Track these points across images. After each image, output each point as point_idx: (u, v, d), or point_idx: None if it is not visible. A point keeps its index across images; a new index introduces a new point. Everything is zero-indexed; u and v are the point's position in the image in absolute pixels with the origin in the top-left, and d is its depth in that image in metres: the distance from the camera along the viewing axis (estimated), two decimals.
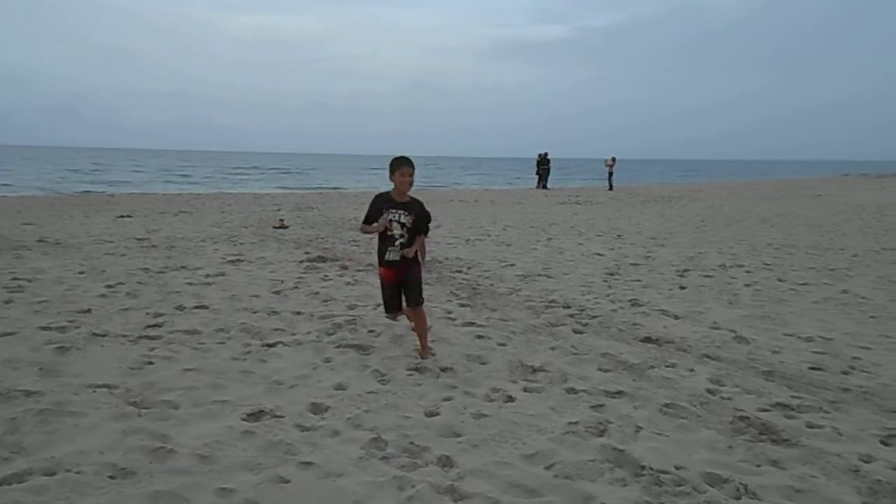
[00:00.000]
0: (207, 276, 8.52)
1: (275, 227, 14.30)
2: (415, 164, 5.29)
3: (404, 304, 5.42)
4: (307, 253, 10.75)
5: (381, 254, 5.28)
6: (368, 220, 5.25)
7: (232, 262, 9.80)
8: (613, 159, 34.59)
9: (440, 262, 10.29)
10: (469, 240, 13.08)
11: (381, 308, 7.03)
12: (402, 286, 5.37)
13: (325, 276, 8.88)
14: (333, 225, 15.34)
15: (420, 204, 5.31)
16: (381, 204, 5.22)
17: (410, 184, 5.23)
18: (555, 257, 11.06)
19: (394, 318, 5.60)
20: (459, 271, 9.58)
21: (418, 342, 5.57)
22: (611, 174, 34.62)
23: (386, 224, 5.14)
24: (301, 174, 59.81)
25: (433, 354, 5.52)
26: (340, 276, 8.94)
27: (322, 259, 10.11)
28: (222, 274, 8.73)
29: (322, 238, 12.87)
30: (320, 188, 36.59)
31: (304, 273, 9.06)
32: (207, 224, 14.67)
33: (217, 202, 21.74)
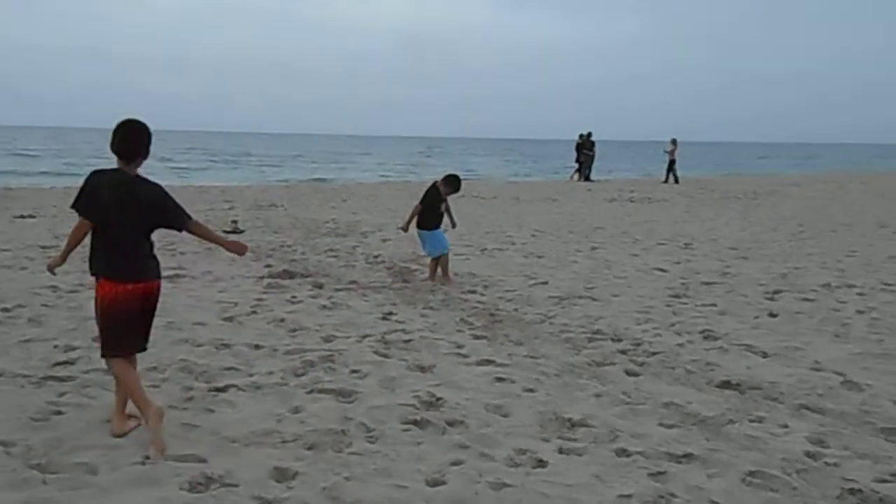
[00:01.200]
0: None
1: (226, 232, 14.36)
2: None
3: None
4: (269, 266, 10.82)
5: None
6: None
7: (168, 278, 9.84)
8: (674, 142, 34.64)
9: (447, 280, 10.32)
10: (486, 249, 13.13)
11: (368, 341, 7.07)
12: None
13: (293, 297, 8.95)
14: (304, 229, 15.44)
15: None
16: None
17: None
18: (601, 273, 11.08)
19: None
20: (473, 292, 9.61)
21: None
22: (672, 162, 34.68)
23: None
24: (260, 160, 60.36)
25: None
26: (313, 296, 9.00)
27: (289, 274, 10.18)
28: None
29: (289, 246, 12.95)
30: (286, 180, 36.83)
31: (264, 293, 9.12)
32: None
33: None
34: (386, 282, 10.12)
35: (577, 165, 36.32)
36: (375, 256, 12.07)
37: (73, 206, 4.86)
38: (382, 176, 43.62)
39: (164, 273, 9.27)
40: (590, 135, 35.66)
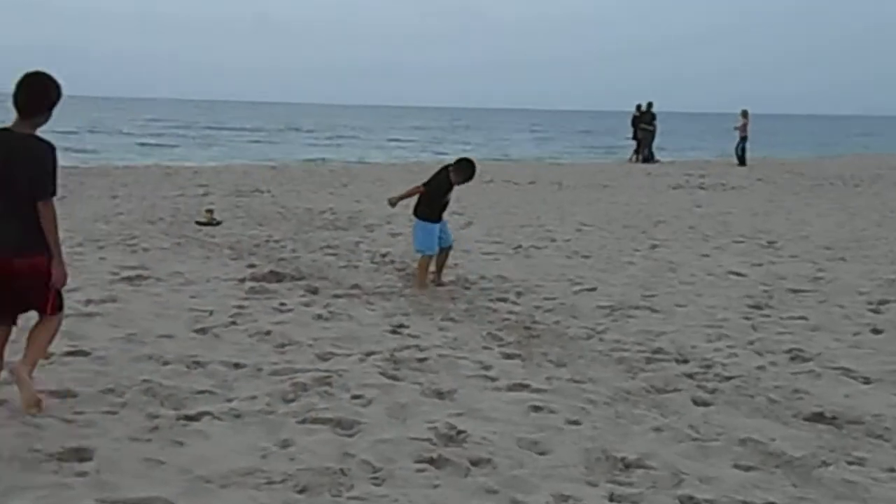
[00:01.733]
0: (88, 302, 8.67)
1: (199, 224, 14.47)
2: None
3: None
4: (252, 267, 10.89)
5: None
6: None
7: (129, 279, 9.94)
8: (745, 115, 34.39)
9: (471, 284, 10.35)
10: (520, 247, 13.16)
11: (373, 359, 7.09)
12: None
13: (282, 303, 9.01)
14: (295, 220, 15.54)
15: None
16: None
17: None
18: (663, 277, 11.07)
19: None
20: (504, 300, 9.64)
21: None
22: (744, 140, 34.45)
23: None
24: (240, 135, 60.73)
25: None
26: (306, 304, 9.06)
27: (276, 276, 10.24)
28: (113, 299, 8.89)
29: (276, 242, 13.03)
30: (273, 160, 36.98)
31: (246, 299, 9.19)
32: (86, 217, 14.90)
33: (104, 181, 22.10)
34: (396, 286, 10.15)
35: (634, 144, 36.28)
36: (383, 255, 12.12)
37: None
38: (398, 155, 43.73)
39: (122, 274, 9.19)
40: (650, 106, 35.57)
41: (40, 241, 5.59)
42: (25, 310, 5.89)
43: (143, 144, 46.01)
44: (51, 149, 5.62)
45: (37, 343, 5.87)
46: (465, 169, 10.28)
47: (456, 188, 10.36)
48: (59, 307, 5.92)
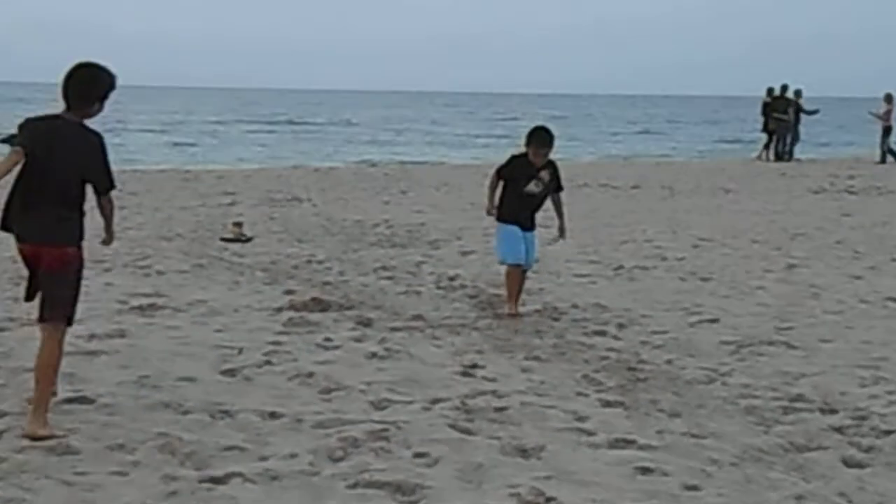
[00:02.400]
0: (91, 337, 8.77)
1: (225, 241, 14.62)
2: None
3: None
4: (290, 293, 10.99)
5: None
6: None
7: (140, 309, 10.07)
8: (889, 100, 33.89)
9: (561, 314, 10.31)
10: (622, 268, 13.12)
11: (440, 408, 7.07)
12: None
13: (327, 339, 9.07)
14: (343, 236, 15.67)
15: None
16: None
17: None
18: (803, 306, 10.95)
19: None
20: (602, 333, 9.61)
21: None
22: (887, 130, 33.93)
23: None
24: (273, 129, 61.33)
25: None
26: (357, 339, 9.11)
27: (320, 305, 10.32)
28: (121, 334, 9.00)
29: (320, 262, 13.14)
30: (312, 162, 37.22)
31: (283, 333, 9.27)
32: (88, 233, 15.04)
33: None
34: (467, 317, 10.17)
35: (765, 137, 35.84)
36: (451, 278, 12.16)
37: (5, 140, 6.57)
38: (471, 154, 43.71)
39: (133, 302, 9.34)
40: (784, 90, 35.13)
41: (73, 233, 6.50)
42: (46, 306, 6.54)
43: (157, 144, 46.69)
44: (100, 139, 6.53)
45: (45, 378, 6.43)
46: (538, 138, 10.21)
47: (544, 176, 10.29)
48: (69, 320, 6.55)
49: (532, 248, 10.44)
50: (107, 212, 6.77)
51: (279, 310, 10.15)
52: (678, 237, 16.01)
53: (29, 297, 6.74)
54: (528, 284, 10.69)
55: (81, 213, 6.58)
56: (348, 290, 11.33)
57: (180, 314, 9.94)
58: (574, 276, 12.48)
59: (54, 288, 6.46)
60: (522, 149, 10.29)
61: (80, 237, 6.58)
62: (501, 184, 10.37)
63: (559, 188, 10.52)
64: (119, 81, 6.67)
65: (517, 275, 10.33)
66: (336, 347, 8.78)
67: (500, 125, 73.93)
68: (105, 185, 6.59)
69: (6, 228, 6.59)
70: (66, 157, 6.36)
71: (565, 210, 10.78)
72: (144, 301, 10.33)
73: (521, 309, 10.41)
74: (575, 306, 10.68)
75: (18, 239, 6.53)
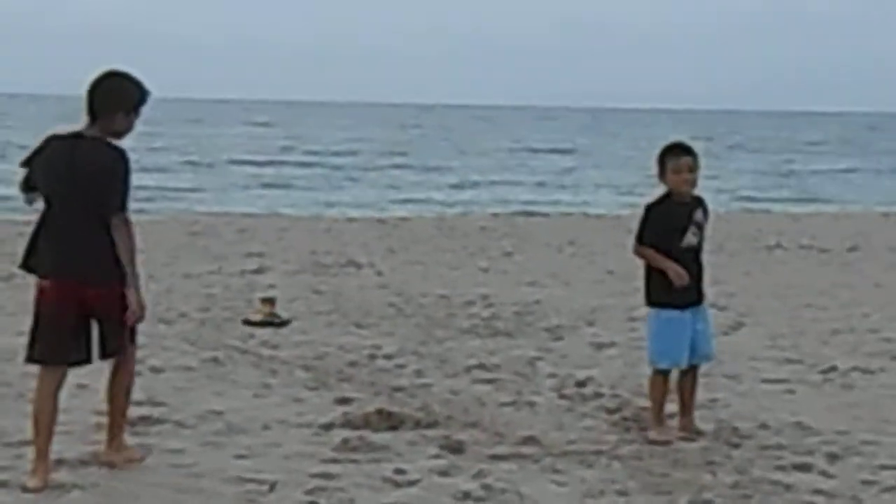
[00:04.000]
0: (57, 463, 8.81)
1: (251, 324, 14.69)
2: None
3: None
4: (345, 402, 11.02)
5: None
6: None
7: (129, 423, 10.06)
8: None
9: (743, 438, 10.22)
10: (835, 370, 13.01)
11: None
12: None
13: (399, 470, 9.08)
14: (422, 317, 15.77)
15: None
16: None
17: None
18: None
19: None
20: (804, 467, 9.46)
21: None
22: None
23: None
24: (310, 158, 61.96)
25: None
26: (442, 472, 9.12)
27: (388, 421, 10.32)
28: (100, 462, 9.02)
29: (389, 358, 13.15)
30: (374, 211, 37.38)
31: (335, 461, 9.30)
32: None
33: None
34: (605, 441, 10.10)
35: None
36: (580, 384, 12.12)
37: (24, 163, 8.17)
38: (605, 200, 43.58)
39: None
40: None
41: (111, 268, 8.07)
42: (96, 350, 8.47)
43: (148, 188, 47.25)
44: (121, 156, 7.98)
45: (117, 402, 8.76)
46: (670, 151, 10.32)
47: (699, 217, 10.25)
48: (132, 339, 8.60)
49: (706, 335, 10.43)
50: (123, 243, 8.04)
51: (328, 427, 10.16)
52: None
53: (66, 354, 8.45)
54: (697, 394, 10.59)
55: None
56: (430, 398, 11.34)
57: (185, 432, 9.99)
58: (762, 381, 12.39)
59: (105, 333, 8.39)
60: (656, 192, 10.32)
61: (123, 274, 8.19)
62: (642, 249, 10.32)
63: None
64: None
65: (664, 383, 10.31)
66: (412, 483, 8.76)
67: (637, 151, 73.89)
68: (112, 204, 7.96)
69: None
70: (87, 180, 7.88)
71: (743, 284, 10.69)
72: (134, 412, 10.23)
73: (697, 425, 10.34)
74: (764, 426, 10.57)
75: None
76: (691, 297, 10.23)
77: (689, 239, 10.20)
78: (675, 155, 10.23)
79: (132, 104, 7.99)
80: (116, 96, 7.94)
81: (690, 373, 10.34)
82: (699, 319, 10.29)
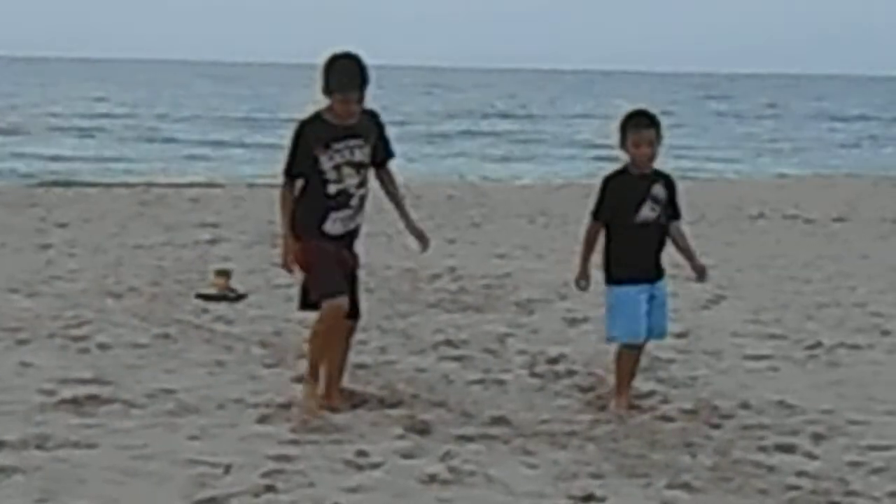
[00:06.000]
0: (1, 443, 8.84)
1: (204, 298, 14.70)
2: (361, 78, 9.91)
3: None
4: (302, 380, 10.93)
5: (314, 221, 10.17)
6: (290, 173, 10.45)
7: (74, 403, 10.09)
8: None
9: (724, 418, 10.26)
10: (820, 346, 13.26)
11: None
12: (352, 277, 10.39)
13: (360, 452, 9.08)
14: (386, 291, 15.92)
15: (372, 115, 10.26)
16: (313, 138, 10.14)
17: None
18: None
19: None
20: (789, 449, 9.55)
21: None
22: None
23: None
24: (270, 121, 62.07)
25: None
26: (407, 454, 9.12)
27: (351, 399, 10.36)
28: (44, 442, 9.05)
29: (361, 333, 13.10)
30: None
31: (293, 442, 9.29)
32: None
33: (25, 215, 22.95)
34: (578, 421, 10.13)
35: None
36: (552, 360, 12.17)
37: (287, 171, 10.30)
38: (580, 168, 43.57)
39: (63, 394, 9.55)
40: None
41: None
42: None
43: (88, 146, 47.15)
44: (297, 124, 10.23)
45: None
46: (631, 120, 10.38)
47: (658, 191, 10.27)
48: (309, 304, 10.33)
49: (663, 311, 10.54)
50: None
51: (287, 407, 10.16)
52: None
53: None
54: (675, 371, 10.62)
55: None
56: (394, 376, 11.36)
57: (135, 412, 9.96)
58: (744, 357, 12.45)
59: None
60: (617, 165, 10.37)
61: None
62: (595, 227, 10.47)
63: (677, 214, 10.58)
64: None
65: (633, 358, 10.41)
66: (375, 466, 8.75)
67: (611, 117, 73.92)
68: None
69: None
70: None
71: (693, 244, 10.71)
72: (80, 391, 10.33)
73: (664, 408, 10.37)
74: (746, 406, 10.60)
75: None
76: (649, 273, 10.35)
77: (646, 213, 10.24)
78: (637, 127, 10.32)
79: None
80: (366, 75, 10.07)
81: (639, 348, 10.45)
82: (657, 299, 10.38)
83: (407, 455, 9.02)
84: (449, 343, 12.80)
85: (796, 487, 8.58)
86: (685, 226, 10.63)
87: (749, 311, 14.51)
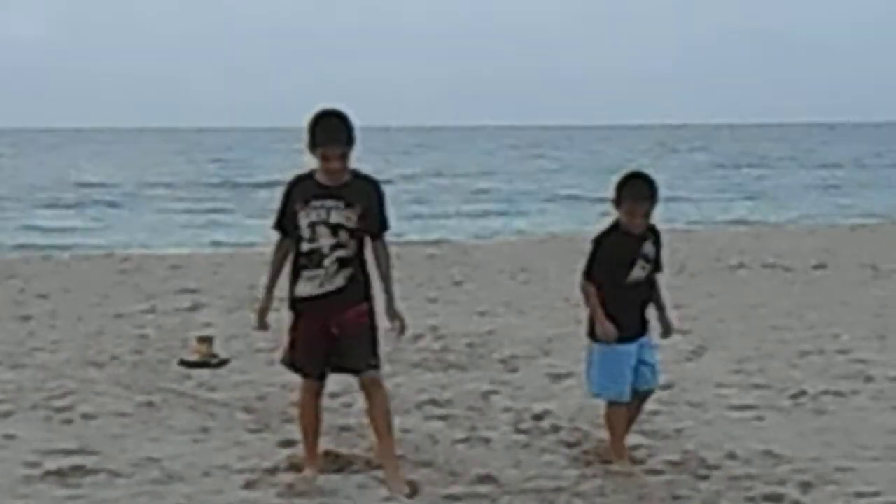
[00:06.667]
0: None
1: (187, 365, 14.66)
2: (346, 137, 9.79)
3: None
4: (289, 444, 11.04)
5: (291, 279, 9.99)
6: (277, 227, 10.22)
7: (59, 474, 10.09)
8: None
9: (711, 469, 10.29)
10: (804, 394, 13.24)
11: None
12: (334, 342, 10.15)
13: None
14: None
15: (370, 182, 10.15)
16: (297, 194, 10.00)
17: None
18: None
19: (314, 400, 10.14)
20: (776, 498, 9.62)
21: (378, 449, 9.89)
22: None
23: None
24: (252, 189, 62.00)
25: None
26: None
27: (336, 463, 10.37)
28: None
29: (335, 396, 13.01)
30: None
31: None
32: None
33: (3, 288, 22.89)
34: (565, 477, 10.14)
35: None
36: (537, 416, 12.17)
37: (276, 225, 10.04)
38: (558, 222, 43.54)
39: (45, 467, 9.53)
40: None
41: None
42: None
43: (52, 228, 47.05)
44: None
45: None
46: (629, 184, 10.32)
47: (649, 250, 10.29)
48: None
49: (651, 365, 10.50)
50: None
51: (272, 471, 10.15)
52: (888, 345, 16.01)
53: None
54: (661, 424, 10.62)
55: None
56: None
57: (120, 481, 9.95)
58: (730, 408, 12.46)
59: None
60: (609, 221, 10.36)
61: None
62: (592, 287, 10.34)
63: (659, 268, 10.59)
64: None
65: (621, 414, 10.38)
66: None
67: (597, 174, 73.88)
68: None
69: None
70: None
71: (667, 296, 10.72)
72: (65, 462, 10.31)
73: (651, 461, 10.38)
74: (732, 456, 10.62)
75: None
76: (634, 329, 10.33)
77: (637, 273, 10.29)
78: (634, 196, 10.17)
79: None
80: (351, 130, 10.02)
81: (633, 404, 10.43)
82: (644, 351, 10.37)
83: None
84: (433, 402, 12.79)
85: None
86: (666, 277, 10.65)
87: (733, 361, 14.54)
